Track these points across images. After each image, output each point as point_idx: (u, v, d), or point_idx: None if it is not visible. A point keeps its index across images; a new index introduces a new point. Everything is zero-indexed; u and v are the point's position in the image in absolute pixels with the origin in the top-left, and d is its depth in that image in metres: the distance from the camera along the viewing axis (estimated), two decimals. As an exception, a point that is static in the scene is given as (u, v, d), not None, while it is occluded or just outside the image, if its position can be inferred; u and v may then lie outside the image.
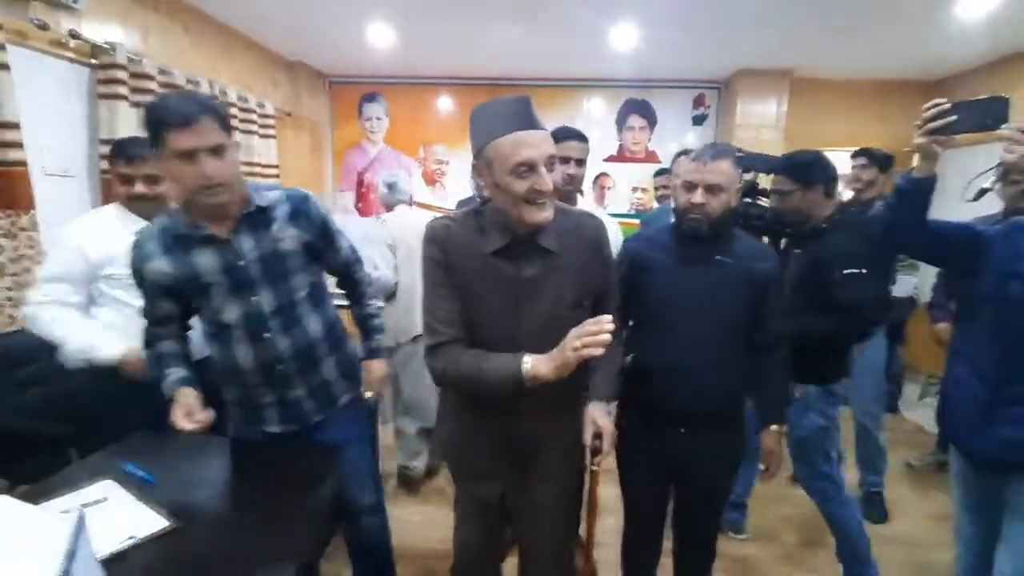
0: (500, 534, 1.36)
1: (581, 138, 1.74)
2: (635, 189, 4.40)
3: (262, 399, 1.33)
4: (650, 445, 1.40)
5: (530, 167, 1.02)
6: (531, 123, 1.04)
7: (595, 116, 4.34)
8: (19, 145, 1.84)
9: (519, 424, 1.19)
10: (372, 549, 1.59)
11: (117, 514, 1.08)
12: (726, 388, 1.34)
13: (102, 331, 1.55)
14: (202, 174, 1.10)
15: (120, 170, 1.56)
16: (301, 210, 1.30)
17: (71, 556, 0.71)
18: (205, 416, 1.19)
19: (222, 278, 1.23)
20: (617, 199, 4.42)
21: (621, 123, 4.33)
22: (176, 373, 1.28)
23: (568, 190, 1.77)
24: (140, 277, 1.26)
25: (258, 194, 1.25)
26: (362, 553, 1.60)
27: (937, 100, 1.17)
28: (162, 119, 1.08)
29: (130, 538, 1.01)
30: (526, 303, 1.12)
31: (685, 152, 2.35)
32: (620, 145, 4.36)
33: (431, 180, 4.49)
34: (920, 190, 1.22)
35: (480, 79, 4.22)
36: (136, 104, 2.36)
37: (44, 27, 1.99)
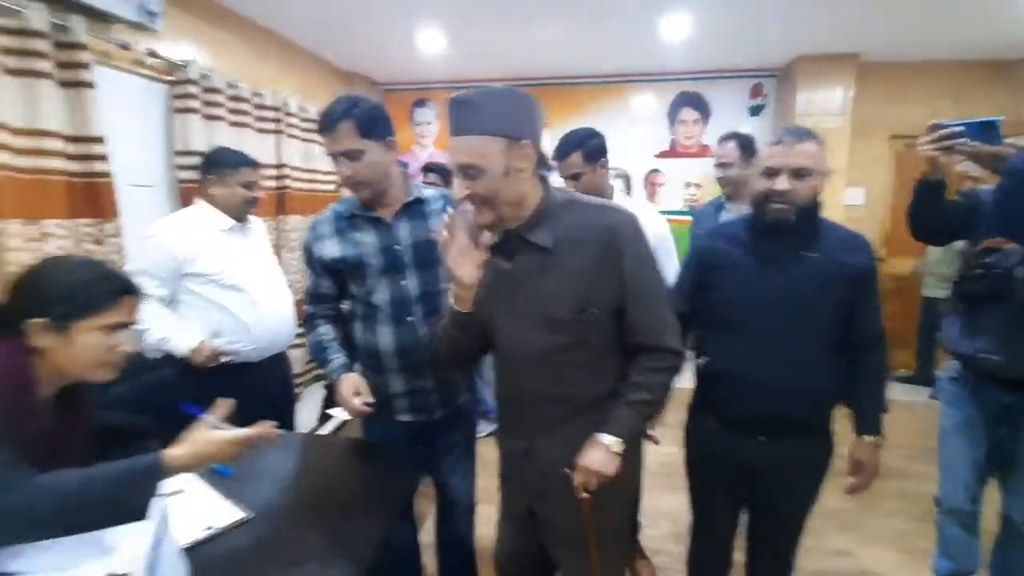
0: (539, 546, 1.24)
1: (583, 147, 1.67)
2: (688, 184, 4.26)
3: (395, 387, 1.41)
4: (724, 452, 1.31)
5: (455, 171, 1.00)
6: (453, 127, 0.98)
7: (645, 111, 4.23)
8: (104, 158, 1.98)
9: (537, 447, 1.12)
10: (460, 545, 1.65)
11: (195, 505, 1.14)
12: (811, 393, 1.23)
13: (178, 323, 1.70)
14: (339, 174, 1.29)
15: (248, 178, 1.82)
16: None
17: (158, 543, 0.75)
18: (369, 399, 1.33)
19: (379, 259, 1.36)
20: (669, 195, 4.29)
21: (673, 117, 4.20)
22: (338, 360, 1.40)
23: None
24: (310, 254, 1.43)
25: (418, 188, 1.41)
26: (450, 547, 1.66)
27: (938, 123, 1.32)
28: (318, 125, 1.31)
29: (208, 528, 1.05)
30: (523, 302, 1.05)
31: (734, 136, 2.15)
32: (672, 140, 4.23)
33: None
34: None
35: (526, 79, 4.21)
36: (207, 117, 2.50)
37: (126, 47, 2.14)
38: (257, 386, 1.78)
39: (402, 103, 4.50)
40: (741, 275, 1.23)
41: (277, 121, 3.03)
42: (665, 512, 2.28)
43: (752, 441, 1.26)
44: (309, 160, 3.37)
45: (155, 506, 0.80)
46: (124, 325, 0.98)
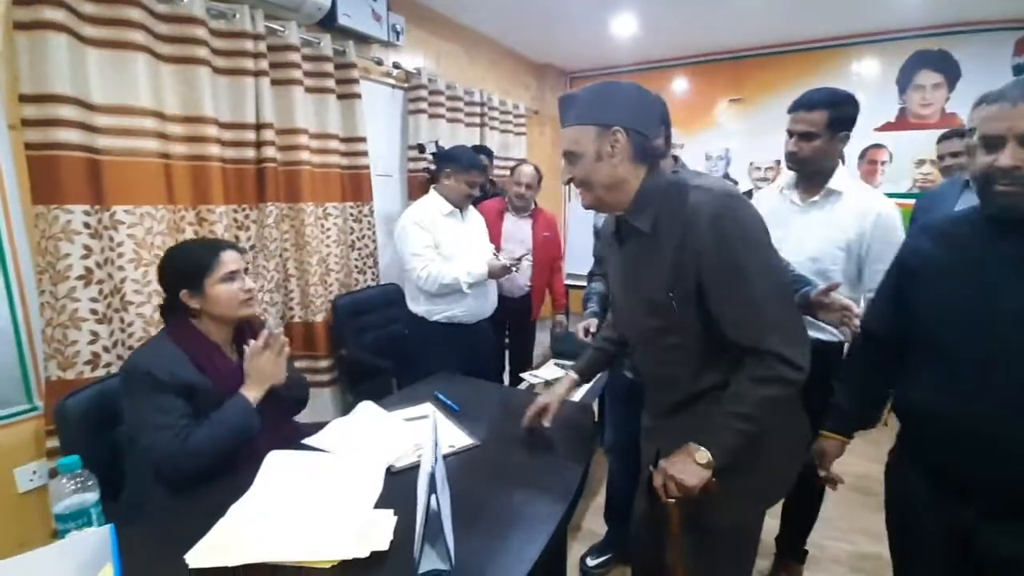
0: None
1: (833, 108, 1.47)
2: (921, 162, 3.60)
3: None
4: (937, 519, 0.99)
5: None
6: (561, 120, 1.07)
7: (866, 78, 3.67)
8: (365, 154, 2.51)
9: (657, 427, 1.17)
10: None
11: (437, 429, 1.44)
12: None
13: (466, 263, 2.10)
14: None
15: (474, 179, 2.13)
16: None
17: (436, 444, 1.00)
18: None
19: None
20: (895, 175, 3.69)
21: (905, 82, 3.56)
22: (591, 309, 1.83)
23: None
24: (594, 227, 1.79)
25: None
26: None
27: None
28: None
29: (450, 446, 1.33)
30: (631, 286, 1.09)
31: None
32: (902, 109, 3.61)
33: (663, 165, 4.46)
34: None
35: (719, 54, 4.00)
36: (431, 116, 2.94)
37: (379, 63, 2.64)
38: (469, 344, 2.13)
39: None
40: (949, 284, 0.94)
41: (482, 115, 3.42)
42: (862, 528, 2.08)
43: (969, 510, 0.93)
44: (505, 149, 3.72)
45: (431, 419, 1.08)
46: (235, 272, 1.25)
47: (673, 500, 0.99)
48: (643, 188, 1.03)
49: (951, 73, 3.45)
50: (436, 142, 2.71)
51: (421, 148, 2.77)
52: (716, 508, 1.01)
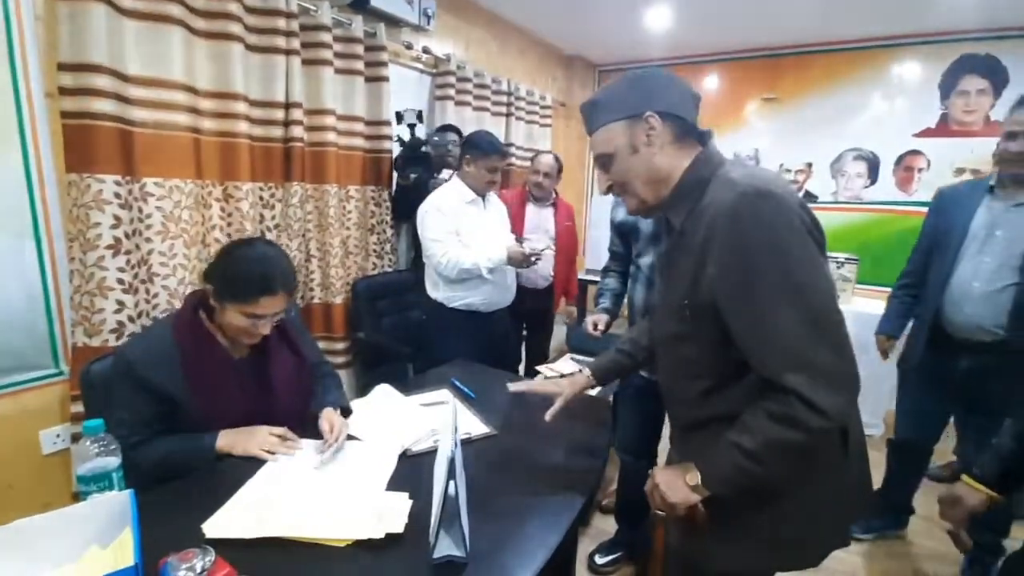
0: None
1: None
2: (960, 171, 3.47)
3: None
4: None
5: None
6: (586, 130, 1.00)
7: (906, 81, 3.55)
8: (390, 138, 2.50)
9: (674, 438, 1.10)
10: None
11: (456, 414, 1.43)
12: None
13: (486, 249, 2.05)
14: None
15: (494, 164, 2.07)
16: None
17: (455, 429, 0.99)
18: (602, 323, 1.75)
19: (652, 226, 1.60)
20: (933, 184, 3.56)
21: (949, 87, 3.43)
22: (603, 304, 1.82)
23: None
24: (611, 217, 1.78)
25: None
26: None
27: None
28: None
29: (466, 434, 1.32)
30: (663, 284, 1.02)
31: None
32: (943, 115, 3.48)
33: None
34: None
35: (755, 51, 3.89)
36: (458, 103, 2.92)
37: (409, 47, 2.63)
38: (486, 332, 2.11)
39: (617, 83, 4.56)
40: None
41: (508, 105, 3.39)
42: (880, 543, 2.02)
43: None
44: (530, 140, 3.68)
45: (450, 405, 1.07)
46: (260, 316, 1.17)
47: (662, 512, 0.93)
48: (684, 178, 0.90)
49: (998, 79, 3.32)
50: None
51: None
52: (706, 545, 0.94)
